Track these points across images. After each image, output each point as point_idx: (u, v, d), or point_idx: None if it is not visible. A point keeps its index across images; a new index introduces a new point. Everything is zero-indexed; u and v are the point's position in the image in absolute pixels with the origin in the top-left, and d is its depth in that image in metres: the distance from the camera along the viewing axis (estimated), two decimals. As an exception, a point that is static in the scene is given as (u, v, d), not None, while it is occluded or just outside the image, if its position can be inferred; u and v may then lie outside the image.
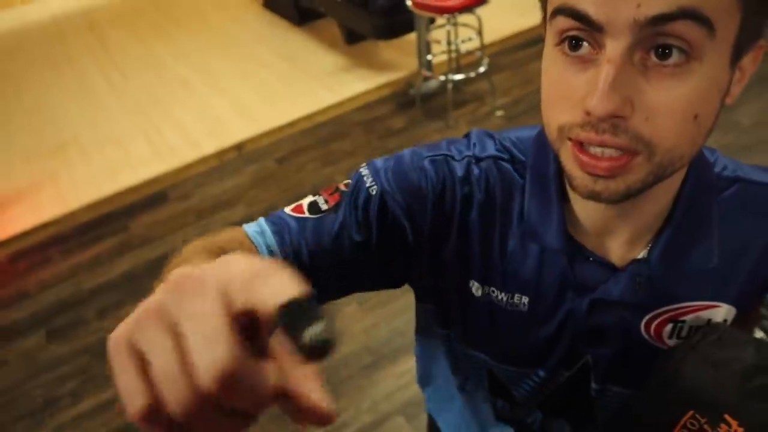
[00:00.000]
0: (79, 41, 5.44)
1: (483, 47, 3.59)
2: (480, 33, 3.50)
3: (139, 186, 3.39)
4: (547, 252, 0.65)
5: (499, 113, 3.62)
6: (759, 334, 0.85)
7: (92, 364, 2.48)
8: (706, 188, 0.63)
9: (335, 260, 0.65)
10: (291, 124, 3.74)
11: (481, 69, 3.58)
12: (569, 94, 0.50)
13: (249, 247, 0.64)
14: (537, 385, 0.74)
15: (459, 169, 0.68)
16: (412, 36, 3.85)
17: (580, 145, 0.50)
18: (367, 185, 0.67)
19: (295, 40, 4.72)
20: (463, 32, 3.72)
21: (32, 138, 3.99)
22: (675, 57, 0.46)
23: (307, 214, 0.67)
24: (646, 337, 0.66)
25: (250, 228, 0.66)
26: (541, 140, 0.65)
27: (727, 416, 0.53)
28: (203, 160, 3.53)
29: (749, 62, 0.53)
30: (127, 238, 3.11)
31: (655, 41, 0.45)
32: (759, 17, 0.49)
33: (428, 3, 3.28)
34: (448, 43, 3.51)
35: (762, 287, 0.66)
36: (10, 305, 2.82)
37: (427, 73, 3.77)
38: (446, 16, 3.30)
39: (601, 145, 0.49)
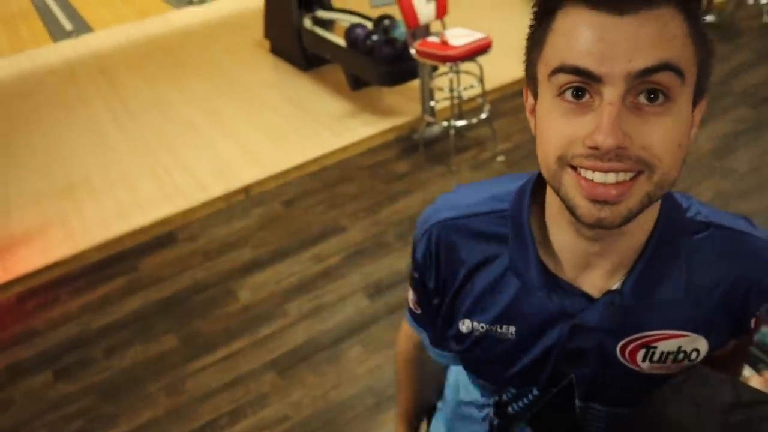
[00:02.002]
0: (90, 84, 5.57)
1: (484, 94, 3.70)
2: (481, 80, 3.61)
3: (147, 227, 3.46)
4: (527, 287, 0.75)
5: (501, 158, 3.71)
6: (748, 371, 0.90)
7: (99, 403, 2.50)
8: (677, 228, 0.72)
9: None
10: (297, 168, 3.82)
11: (483, 115, 3.68)
12: (572, 135, 0.60)
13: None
14: (531, 402, 0.83)
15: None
16: (416, 83, 3.97)
17: (585, 178, 0.59)
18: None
19: (301, 86, 4.85)
20: (465, 80, 3.84)
21: (43, 179, 4.07)
22: (660, 99, 0.57)
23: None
24: (622, 360, 0.74)
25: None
26: (520, 193, 0.77)
27: (705, 451, 0.58)
28: (211, 203, 3.60)
29: (698, 112, 0.64)
30: (135, 278, 3.16)
31: (644, 87, 0.57)
32: (705, 72, 0.61)
33: (431, 52, 3.40)
34: (451, 90, 3.62)
35: (731, 321, 0.74)
36: (18, 344, 2.85)
37: (430, 119, 3.87)
38: (449, 64, 3.41)
39: (610, 170, 0.58)
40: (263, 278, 3.03)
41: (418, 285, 0.88)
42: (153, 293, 3.04)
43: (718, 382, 0.65)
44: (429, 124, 3.94)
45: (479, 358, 0.83)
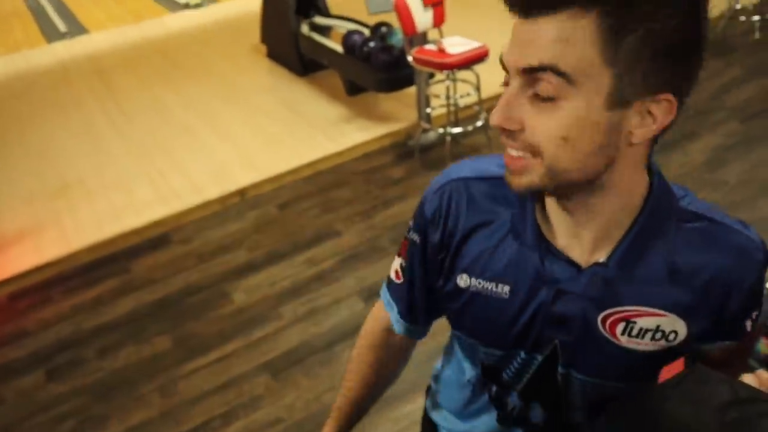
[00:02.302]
0: (85, 86, 5.56)
1: (481, 102, 3.72)
2: (478, 88, 3.63)
3: (141, 228, 3.45)
4: (524, 248, 0.80)
5: (496, 166, 3.72)
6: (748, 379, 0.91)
7: (91, 404, 2.49)
8: (667, 212, 0.76)
9: None
10: (293, 172, 3.83)
11: (479, 123, 3.71)
12: None
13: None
14: (520, 366, 0.86)
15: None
16: (412, 89, 3.99)
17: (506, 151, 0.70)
18: None
19: (298, 91, 4.86)
20: (462, 87, 3.86)
21: (36, 179, 4.06)
22: (544, 94, 0.64)
23: None
24: (602, 331, 0.78)
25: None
26: None
27: (699, 448, 0.59)
28: (206, 205, 3.60)
29: (661, 113, 0.66)
30: (128, 279, 3.15)
31: (535, 84, 0.64)
32: (638, 74, 0.62)
33: (429, 59, 3.42)
34: (447, 97, 3.64)
35: (711, 312, 0.77)
36: (9, 343, 2.83)
37: (426, 126, 3.89)
38: (446, 72, 3.44)
39: (506, 146, 0.69)
40: (257, 281, 3.03)
41: (413, 247, 0.92)
42: (146, 295, 3.03)
43: (717, 381, 0.66)
44: (425, 131, 3.96)
45: (473, 315, 0.87)
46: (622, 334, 0.77)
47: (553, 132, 0.65)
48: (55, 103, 5.24)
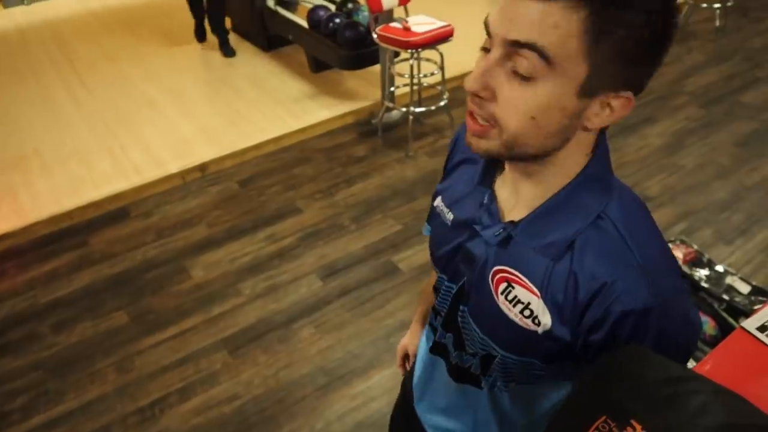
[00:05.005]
0: (44, 54, 5.40)
1: (444, 82, 3.73)
2: (442, 68, 3.64)
3: (100, 201, 3.40)
4: (476, 189, 0.87)
5: (458, 146, 3.75)
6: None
7: (45, 378, 2.47)
8: (587, 206, 0.77)
9: None
10: (255, 148, 3.80)
11: (442, 102, 3.72)
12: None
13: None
14: (444, 293, 0.95)
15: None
16: (377, 68, 3.98)
17: (468, 110, 0.73)
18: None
19: (262, 66, 4.80)
20: (426, 67, 3.87)
21: (-9, 149, 3.95)
22: (522, 72, 0.66)
23: None
24: (490, 282, 0.83)
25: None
26: None
27: (633, 421, 0.62)
28: (166, 179, 3.56)
29: (619, 107, 0.70)
30: (86, 253, 3.11)
31: (515, 58, 0.66)
32: (610, 70, 0.66)
33: (393, 38, 3.41)
34: (411, 76, 3.64)
35: (572, 317, 0.75)
36: (-39, 317, 2.79)
37: (389, 104, 3.89)
38: (410, 51, 3.43)
39: (470, 112, 0.72)
40: (217, 257, 3.02)
41: (442, 175, 1.03)
42: (104, 269, 3.00)
43: (651, 359, 0.69)
44: (388, 110, 3.96)
45: (432, 233, 1.00)
46: (501, 293, 0.82)
47: (523, 109, 0.68)
48: (11, 71, 5.08)
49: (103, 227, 3.29)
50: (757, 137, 3.75)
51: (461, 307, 0.90)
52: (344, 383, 2.38)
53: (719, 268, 2.46)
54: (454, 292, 0.92)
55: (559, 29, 0.63)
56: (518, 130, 0.69)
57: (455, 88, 4.19)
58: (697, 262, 2.49)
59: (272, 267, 2.94)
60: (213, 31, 5.08)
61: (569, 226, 0.77)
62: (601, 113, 0.71)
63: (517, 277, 0.80)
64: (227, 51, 5.04)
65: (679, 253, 2.51)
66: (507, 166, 0.83)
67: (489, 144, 0.72)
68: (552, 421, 0.72)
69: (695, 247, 2.59)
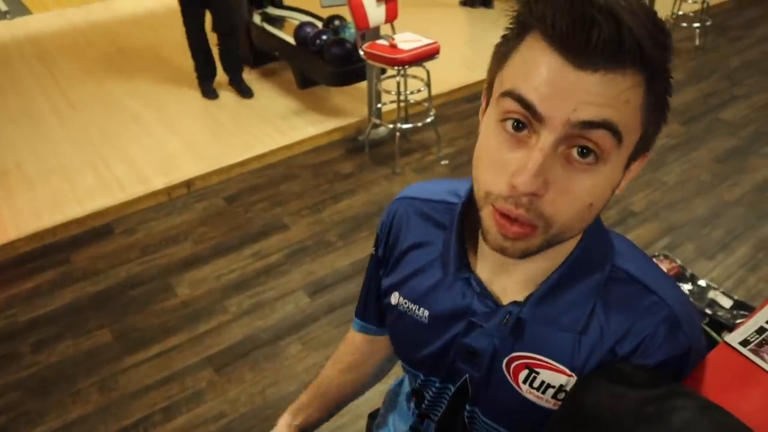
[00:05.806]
0: (27, 69, 5.36)
1: (431, 98, 3.75)
2: (428, 85, 3.66)
3: (83, 218, 3.36)
4: (447, 276, 0.79)
5: (444, 162, 3.77)
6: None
7: (25, 399, 2.42)
8: (596, 266, 0.72)
9: None
10: (241, 164, 3.79)
11: (428, 119, 3.74)
12: (501, 166, 0.60)
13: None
14: (435, 395, 0.86)
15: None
16: (364, 84, 3.99)
17: (500, 212, 0.61)
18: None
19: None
20: (413, 83, 3.89)
21: (-28, 165, 3.90)
22: (590, 158, 0.58)
23: None
24: (506, 374, 0.75)
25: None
26: (470, 191, 0.78)
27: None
28: (151, 196, 3.53)
29: (637, 166, 0.65)
30: (68, 270, 3.06)
31: (578, 141, 0.57)
32: (651, 135, 0.62)
33: (380, 54, 3.43)
34: (398, 93, 3.66)
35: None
36: (-60, 336, 2.73)
37: (376, 121, 3.90)
38: (397, 67, 3.45)
39: (516, 218, 0.60)
40: (203, 274, 3.00)
41: (373, 256, 0.95)
42: (86, 287, 2.96)
43: (636, 374, 0.69)
44: (375, 126, 3.97)
45: (399, 333, 0.89)
46: (524, 382, 0.74)
47: (582, 198, 0.59)
48: (-7, 86, 5.04)
49: (87, 244, 3.25)
50: (736, 153, 3.81)
51: (468, 407, 0.81)
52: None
53: (702, 282, 2.48)
54: (452, 392, 0.83)
55: (629, 101, 0.56)
56: (571, 221, 0.61)
57: (441, 105, 4.21)
58: (680, 276, 2.51)
59: (259, 284, 2.92)
60: (227, 68, 4.56)
61: (586, 291, 0.71)
62: (626, 178, 0.65)
63: (541, 361, 0.72)
64: (244, 91, 4.55)
65: (663, 268, 2.53)
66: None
67: (529, 244, 0.62)
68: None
69: (678, 261, 2.61)
